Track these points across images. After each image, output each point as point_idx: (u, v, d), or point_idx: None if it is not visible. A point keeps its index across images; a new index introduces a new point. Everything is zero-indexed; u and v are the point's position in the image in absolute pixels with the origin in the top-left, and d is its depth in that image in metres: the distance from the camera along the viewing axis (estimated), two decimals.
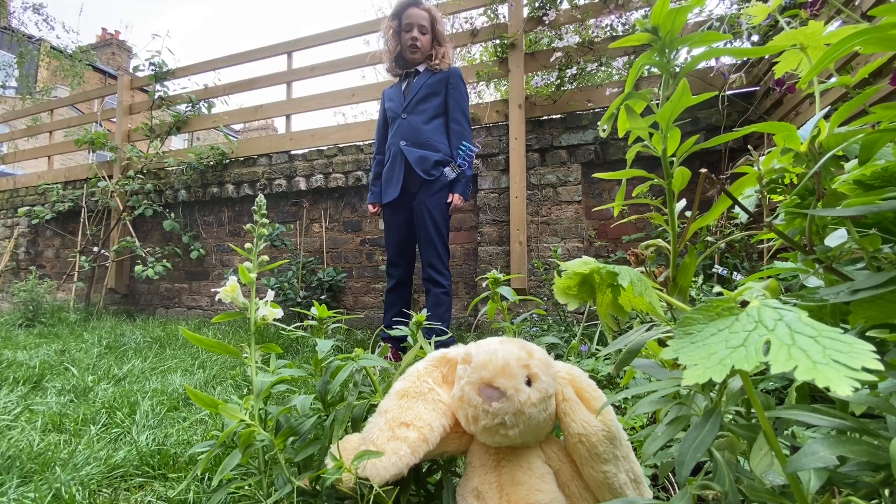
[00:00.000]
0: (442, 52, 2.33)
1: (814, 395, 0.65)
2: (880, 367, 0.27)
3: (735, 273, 1.93)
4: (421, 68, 2.35)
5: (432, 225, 2.23)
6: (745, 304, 0.38)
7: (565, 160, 2.88)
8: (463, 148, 2.22)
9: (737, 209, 0.62)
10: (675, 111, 0.47)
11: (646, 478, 0.71)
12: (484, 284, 0.95)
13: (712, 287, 1.89)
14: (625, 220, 0.83)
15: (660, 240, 0.55)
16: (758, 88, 2.37)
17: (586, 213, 2.90)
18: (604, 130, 0.54)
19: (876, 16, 0.51)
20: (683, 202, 0.54)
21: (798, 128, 0.55)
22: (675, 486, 0.94)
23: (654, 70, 2.73)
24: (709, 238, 1.94)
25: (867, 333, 0.45)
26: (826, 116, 0.54)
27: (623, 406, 1.29)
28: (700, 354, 0.33)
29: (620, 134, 0.59)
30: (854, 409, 0.49)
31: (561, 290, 0.51)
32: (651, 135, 0.56)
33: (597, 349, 1.76)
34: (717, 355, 0.32)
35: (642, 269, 0.54)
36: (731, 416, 0.53)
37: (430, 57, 2.33)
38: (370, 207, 2.39)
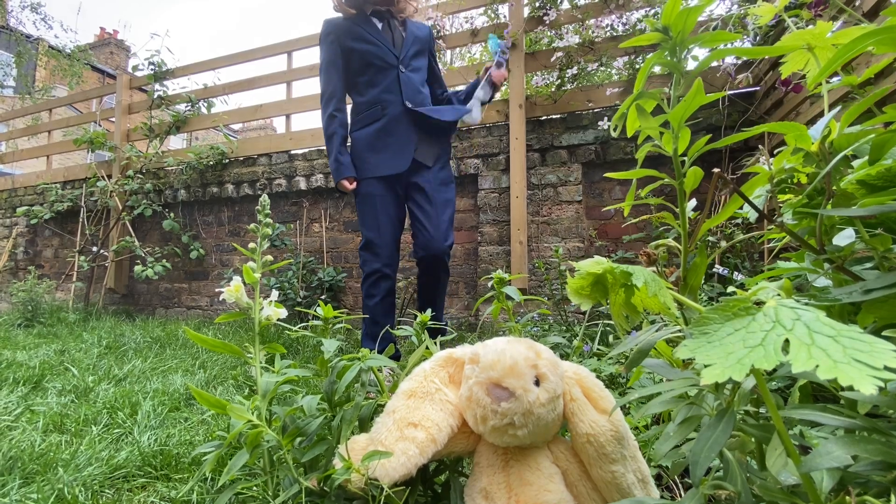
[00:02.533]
0: None
1: (816, 395, 0.65)
2: None
3: (736, 273, 1.93)
4: (393, 9, 1.87)
5: (452, 203, 1.89)
6: (759, 303, 0.38)
7: (566, 160, 2.89)
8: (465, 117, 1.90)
9: (743, 208, 0.62)
10: (689, 111, 0.47)
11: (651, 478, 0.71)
12: (489, 285, 0.95)
13: (712, 287, 1.89)
14: (633, 220, 0.83)
15: (670, 239, 0.55)
16: (758, 88, 2.37)
17: (587, 213, 2.90)
18: (614, 129, 0.54)
19: (883, 15, 0.51)
20: (694, 202, 0.55)
21: None
22: (680, 486, 0.94)
23: (655, 70, 2.73)
24: (710, 238, 1.94)
25: (881, 334, 0.45)
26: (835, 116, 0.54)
27: (628, 406, 1.29)
28: (717, 354, 0.33)
29: (629, 133, 0.59)
30: (859, 408, 0.49)
31: (574, 290, 0.51)
32: (661, 134, 0.56)
33: (598, 349, 1.76)
34: (736, 354, 0.32)
35: (653, 269, 0.54)
36: (740, 416, 0.54)
37: None
38: (346, 183, 1.80)
